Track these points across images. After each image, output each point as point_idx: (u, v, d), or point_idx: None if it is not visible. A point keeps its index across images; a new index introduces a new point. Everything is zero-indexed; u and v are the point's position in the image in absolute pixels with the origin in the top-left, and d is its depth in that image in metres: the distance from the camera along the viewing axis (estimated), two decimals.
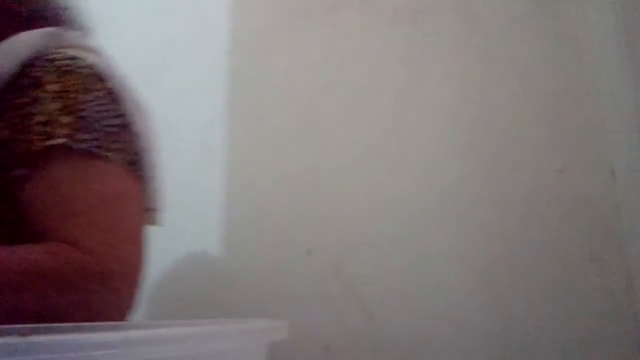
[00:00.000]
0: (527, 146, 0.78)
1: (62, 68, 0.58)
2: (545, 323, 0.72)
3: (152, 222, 0.64)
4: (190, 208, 0.92)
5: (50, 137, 0.54)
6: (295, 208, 0.86)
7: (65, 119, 0.55)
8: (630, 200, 0.71)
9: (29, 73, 0.57)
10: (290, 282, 0.83)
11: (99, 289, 0.51)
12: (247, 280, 0.85)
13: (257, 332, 0.37)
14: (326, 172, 0.86)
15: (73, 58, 0.59)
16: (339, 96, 0.89)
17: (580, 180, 0.75)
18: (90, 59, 0.61)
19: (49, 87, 0.56)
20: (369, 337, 0.77)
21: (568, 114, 0.78)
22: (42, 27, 0.61)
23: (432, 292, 0.77)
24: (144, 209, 0.61)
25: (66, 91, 0.56)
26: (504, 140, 0.79)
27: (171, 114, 0.99)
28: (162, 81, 1.01)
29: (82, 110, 0.56)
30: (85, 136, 0.55)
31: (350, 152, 0.86)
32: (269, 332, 0.38)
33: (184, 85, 1.00)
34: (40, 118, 0.54)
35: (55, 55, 0.58)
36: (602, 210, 0.74)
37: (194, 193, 0.93)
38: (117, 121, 0.58)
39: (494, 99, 0.81)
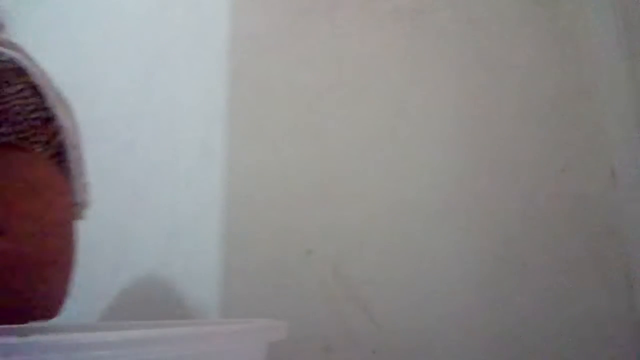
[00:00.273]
0: (528, 146, 0.78)
1: None
2: (545, 323, 0.72)
3: (79, 216, 0.64)
4: (190, 208, 0.92)
5: None
6: (295, 208, 0.86)
7: None
8: (630, 200, 0.71)
9: None
10: (290, 282, 0.82)
11: (32, 278, 0.52)
12: (247, 280, 0.85)
13: (257, 332, 0.37)
14: (326, 172, 0.86)
15: None
16: (339, 96, 0.89)
17: (580, 179, 0.75)
18: (10, 53, 0.61)
19: None
20: (369, 337, 0.77)
21: (568, 113, 0.78)
22: None
23: (432, 292, 0.77)
24: (71, 202, 0.62)
25: None
26: (505, 140, 0.79)
27: (171, 113, 0.99)
28: (162, 81, 1.01)
29: (5, 103, 0.56)
30: (10, 129, 0.55)
31: (350, 152, 0.86)
32: (269, 332, 0.38)
33: (183, 85, 1.00)
34: None
35: None
36: (602, 210, 0.73)
37: (194, 193, 0.93)
38: (40, 114, 0.59)
39: (494, 98, 0.81)
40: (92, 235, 0.95)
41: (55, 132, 0.59)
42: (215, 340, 0.32)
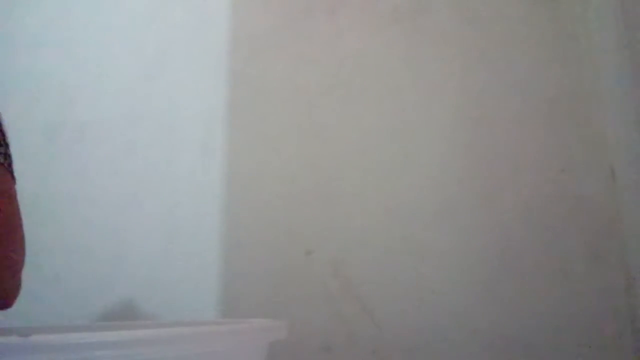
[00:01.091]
0: (528, 146, 0.78)
1: None
2: (544, 322, 0.72)
3: None
4: (190, 208, 0.92)
5: None
6: (295, 208, 0.86)
7: None
8: (630, 200, 0.71)
9: None
10: (290, 282, 0.82)
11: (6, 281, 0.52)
12: (247, 280, 0.85)
13: (257, 332, 0.37)
14: (326, 172, 0.86)
15: None
16: (339, 96, 0.89)
17: (580, 180, 0.75)
18: None
19: None
20: (369, 337, 0.77)
21: (568, 114, 0.78)
22: None
23: (432, 292, 0.77)
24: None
25: None
26: (505, 140, 0.79)
27: (171, 114, 0.99)
28: (162, 81, 1.01)
29: None
30: None
31: (350, 152, 0.86)
32: (269, 332, 0.38)
33: (184, 85, 1.00)
34: None
35: None
36: (602, 210, 0.73)
37: (194, 193, 0.93)
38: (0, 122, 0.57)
39: (494, 99, 0.81)
40: (91, 235, 0.95)
41: (7, 142, 0.57)
42: (215, 340, 0.32)
